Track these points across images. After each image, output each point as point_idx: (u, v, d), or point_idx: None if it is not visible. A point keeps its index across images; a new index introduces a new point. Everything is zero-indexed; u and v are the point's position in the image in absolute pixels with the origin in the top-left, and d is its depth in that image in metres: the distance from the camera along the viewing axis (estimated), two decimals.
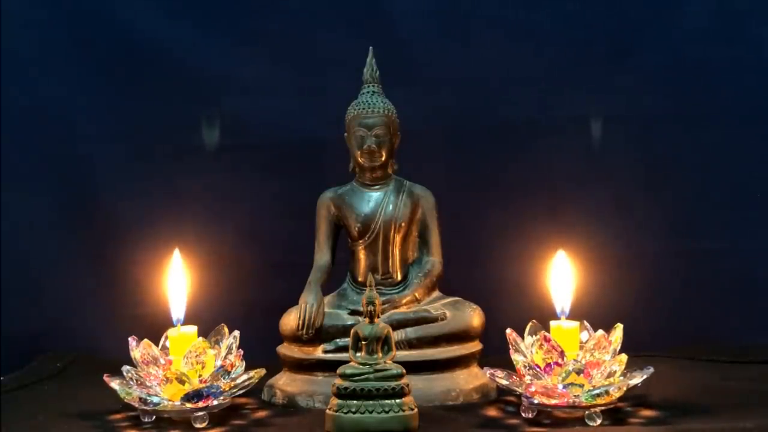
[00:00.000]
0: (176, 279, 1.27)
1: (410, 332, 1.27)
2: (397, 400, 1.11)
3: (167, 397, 1.17)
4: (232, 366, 1.21)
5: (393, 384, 1.11)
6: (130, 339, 1.21)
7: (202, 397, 1.17)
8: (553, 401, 1.14)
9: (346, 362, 1.15)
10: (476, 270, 1.56)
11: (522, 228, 1.58)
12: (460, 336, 1.29)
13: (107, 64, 1.62)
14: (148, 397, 1.17)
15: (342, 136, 1.35)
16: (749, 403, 1.20)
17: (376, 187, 1.34)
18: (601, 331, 1.17)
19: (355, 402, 1.11)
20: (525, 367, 1.17)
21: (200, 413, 1.16)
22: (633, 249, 1.60)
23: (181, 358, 1.18)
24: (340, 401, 1.12)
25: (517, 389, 1.16)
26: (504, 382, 1.17)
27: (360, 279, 1.34)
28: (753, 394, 1.25)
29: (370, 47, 1.35)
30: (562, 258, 1.24)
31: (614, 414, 1.15)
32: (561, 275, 1.23)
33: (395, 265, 1.34)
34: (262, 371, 1.23)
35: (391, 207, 1.33)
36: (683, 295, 1.59)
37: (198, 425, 1.16)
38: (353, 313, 1.28)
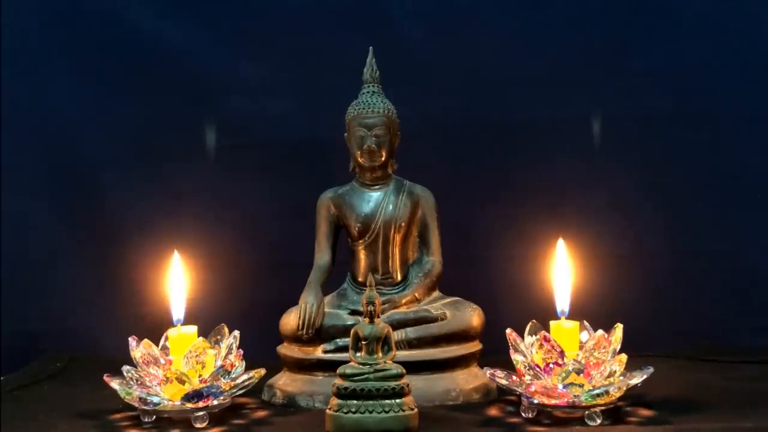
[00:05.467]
0: (176, 280, 1.27)
1: (410, 332, 1.27)
2: (397, 400, 1.11)
3: (167, 397, 1.17)
4: (232, 366, 1.21)
5: (393, 384, 1.11)
6: (130, 339, 1.21)
7: (202, 397, 1.17)
8: (553, 401, 1.14)
9: (346, 362, 1.15)
10: (476, 270, 1.56)
11: (522, 228, 1.58)
12: (460, 336, 1.29)
13: (107, 64, 1.63)
14: (148, 397, 1.17)
15: (342, 136, 1.35)
16: (749, 403, 1.20)
17: (376, 187, 1.34)
18: (601, 331, 1.17)
19: (355, 402, 1.11)
20: (525, 367, 1.17)
21: (200, 413, 1.16)
22: (633, 249, 1.60)
23: (181, 358, 1.18)
24: (340, 401, 1.12)
25: (517, 389, 1.16)
26: (504, 382, 1.17)
27: (360, 279, 1.34)
28: (753, 394, 1.25)
29: (370, 47, 1.35)
30: (561, 247, 1.25)
31: (614, 414, 1.15)
32: (562, 263, 1.24)
33: (395, 265, 1.34)
34: (262, 371, 1.23)
35: (391, 207, 1.33)
36: (683, 295, 1.59)
37: (198, 425, 1.16)
38: (353, 313, 1.28)
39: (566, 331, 1.18)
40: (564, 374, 1.14)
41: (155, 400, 1.17)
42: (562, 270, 1.24)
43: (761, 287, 1.59)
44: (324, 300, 1.30)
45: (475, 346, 1.30)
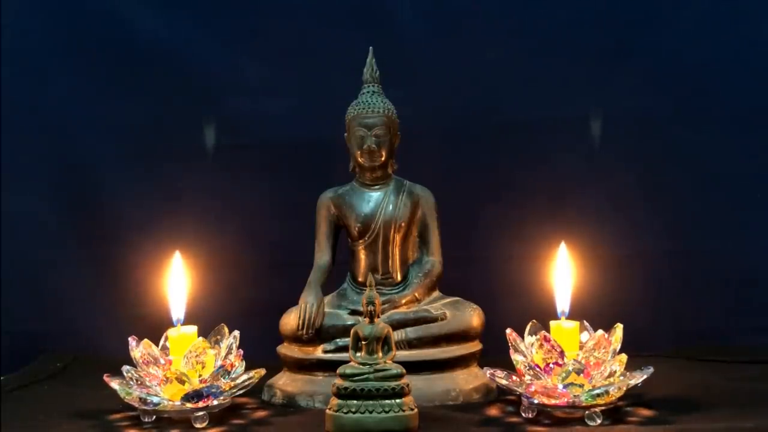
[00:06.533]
0: (177, 281, 1.27)
1: (410, 332, 1.27)
2: (397, 400, 1.11)
3: (167, 397, 1.17)
4: (232, 366, 1.21)
5: (393, 384, 1.11)
6: (130, 339, 1.21)
7: (202, 397, 1.17)
8: (553, 401, 1.14)
9: (346, 362, 1.15)
10: (476, 270, 1.56)
11: (522, 228, 1.58)
12: (460, 336, 1.29)
13: (107, 64, 1.63)
14: (148, 397, 1.17)
15: (342, 135, 1.35)
16: (749, 403, 1.20)
17: (376, 187, 1.34)
18: (601, 331, 1.17)
19: (355, 402, 1.11)
20: (525, 367, 1.17)
21: (200, 413, 1.16)
22: (633, 249, 1.60)
23: (181, 358, 1.18)
24: (340, 401, 1.12)
25: (517, 389, 1.16)
26: (504, 382, 1.17)
27: (360, 279, 1.34)
28: (753, 394, 1.25)
29: (370, 47, 1.35)
30: (563, 251, 1.25)
31: (614, 414, 1.15)
32: (563, 267, 1.24)
33: (395, 265, 1.34)
34: (262, 371, 1.23)
35: (391, 207, 1.33)
36: (683, 295, 1.59)
37: (198, 425, 1.16)
38: (353, 313, 1.28)
39: (566, 332, 1.18)
40: (564, 374, 1.14)
41: (155, 400, 1.17)
42: (562, 271, 1.24)
43: (761, 287, 1.59)
44: (324, 300, 1.30)
45: (475, 346, 1.30)
